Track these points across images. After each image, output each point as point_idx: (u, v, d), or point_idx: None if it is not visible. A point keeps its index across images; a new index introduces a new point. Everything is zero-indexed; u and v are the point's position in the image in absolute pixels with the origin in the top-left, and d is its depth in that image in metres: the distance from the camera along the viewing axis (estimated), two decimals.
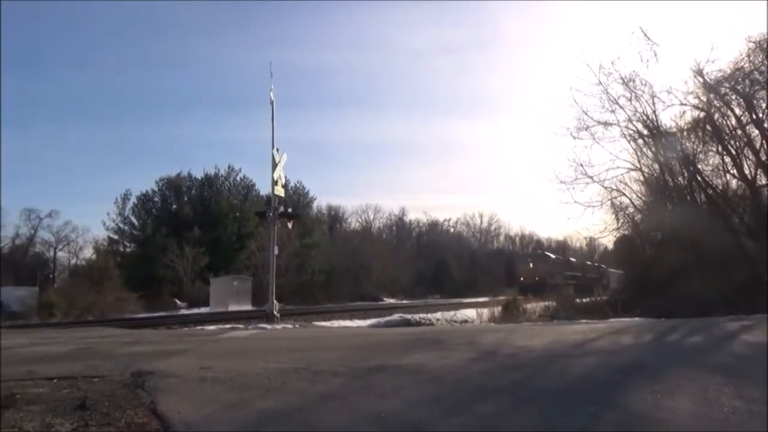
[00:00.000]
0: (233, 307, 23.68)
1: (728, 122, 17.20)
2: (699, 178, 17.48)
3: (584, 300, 20.18)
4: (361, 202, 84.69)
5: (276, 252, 15.47)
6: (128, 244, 41.80)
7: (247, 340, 9.18)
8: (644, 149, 18.14)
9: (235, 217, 41.70)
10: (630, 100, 17.18)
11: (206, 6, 74.99)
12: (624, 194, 18.69)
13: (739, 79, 16.41)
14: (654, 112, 17.25)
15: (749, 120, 16.57)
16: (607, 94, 17.21)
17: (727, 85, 16.68)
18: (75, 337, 9.54)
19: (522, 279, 43.95)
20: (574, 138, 17.62)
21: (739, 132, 16.89)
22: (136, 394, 4.59)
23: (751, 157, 16.76)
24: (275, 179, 15.23)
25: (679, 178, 17.73)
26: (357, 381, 5.01)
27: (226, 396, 4.48)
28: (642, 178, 18.48)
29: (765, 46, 15.90)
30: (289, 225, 16.92)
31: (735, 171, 17.14)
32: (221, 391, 4.65)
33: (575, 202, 17.83)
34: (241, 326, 12.89)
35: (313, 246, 41.29)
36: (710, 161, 17.99)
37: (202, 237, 37.50)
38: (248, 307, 24.04)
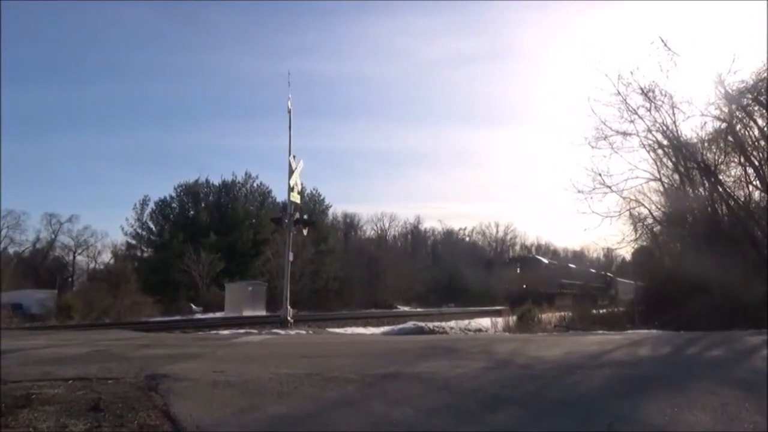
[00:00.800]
0: (248, 312, 23.80)
1: (751, 133, 16.93)
2: (720, 189, 17.20)
3: (601, 311, 19.92)
4: (376, 209, 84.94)
5: (291, 258, 15.52)
6: (146, 249, 42.36)
7: (260, 345, 9.19)
8: (664, 159, 17.95)
9: (251, 224, 42.05)
10: (649, 110, 17.02)
11: (226, 16, 76.09)
12: (643, 205, 18.48)
13: (762, 90, 16.16)
14: (674, 122, 17.06)
15: None
16: (626, 104, 17.07)
17: (750, 96, 16.43)
18: (91, 340, 9.63)
19: (507, 287, 38.82)
20: (593, 147, 17.48)
21: (762, 143, 16.63)
22: (149, 397, 4.61)
23: None
24: (291, 186, 15.30)
25: (700, 189, 17.48)
26: (369, 388, 4.98)
27: (238, 400, 4.48)
28: (661, 189, 18.27)
29: None
30: (305, 232, 16.97)
31: (758, 182, 16.85)
32: (233, 395, 4.65)
33: (593, 212, 17.64)
34: (254, 331, 12.91)
35: (328, 253, 41.44)
36: (732, 172, 17.73)
37: (219, 243, 37.85)
38: (263, 313, 24.13)
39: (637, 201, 18.23)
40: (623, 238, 18.97)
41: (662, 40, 16.38)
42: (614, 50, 55.04)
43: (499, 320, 16.08)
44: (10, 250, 43.77)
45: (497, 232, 73.66)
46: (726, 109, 16.84)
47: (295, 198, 15.58)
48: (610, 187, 17.41)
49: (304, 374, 5.45)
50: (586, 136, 17.59)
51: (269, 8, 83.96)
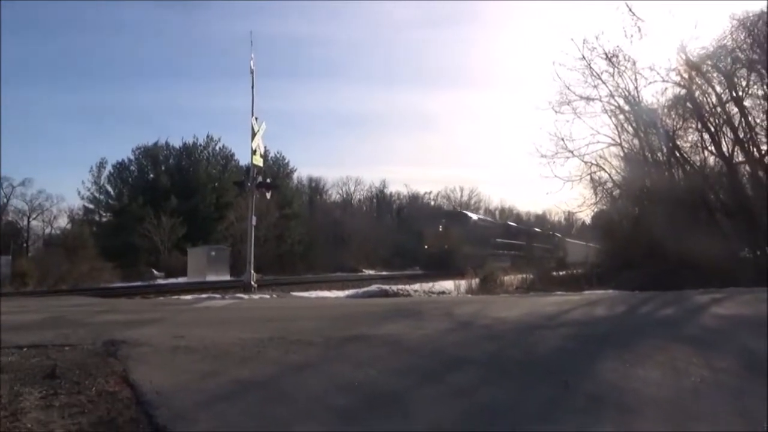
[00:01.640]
0: (211, 277, 23.55)
1: (709, 100, 17.32)
2: (678, 155, 17.64)
3: (561, 273, 20.45)
4: (342, 173, 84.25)
5: (254, 222, 15.33)
6: (104, 214, 41.17)
7: (223, 310, 9.13)
8: (625, 125, 18.24)
9: (213, 187, 41.22)
10: (613, 75, 17.19)
11: None
12: (603, 169, 18.81)
13: (721, 57, 16.48)
14: (636, 88, 17.30)
15: (729, 98, 16.70)
16: (590, 68, 17.19)
17: (710, 63, 16.75)
18: (47, 306, 9.39)
19: (426, 247, 34.53)
20: (556, 112, 17.63)
21: (719, 109, 17.03)
22: (107, 363, 4.53)
23: (729, 134, 16.95)
24: (254, 148, 15.00)
25: (659, 154, 17.88)
26: (333, 351, 5.00)
27: (199, 365, 4.44)
28: (622, 154, 18.61)
29: (748, 24, 15.96)
30: (268, 195, 16.74)
31: (713, 148, 17.33)
32: (195, 360, 4.61)
33: (555, 176, 17.93)
34: (217, 296, 12.81)
35: (293, 217, 41.11)
36: (689, 138, 18.17)
37: (180, 207, 37.06)
38: (226, 278, 23.92)
39: (597, 165, 18.58)
40: (584, 202, 19.41)
41: (627, 6, 16.44)
42: (580, 15, 55.07)
43: (462, 282, 16.32)
44: None
45: (462, 196, 74.17)
46: (686, 76, 17.16)
47: (258, 161, 15.30)
48: (572, 152, 17.70)
49: (267, 338, 5.44)
50: (550, 101, 17.74)
51: None
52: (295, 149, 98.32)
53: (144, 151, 42.10)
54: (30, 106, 67.77)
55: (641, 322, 7.08)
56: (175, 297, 13.31)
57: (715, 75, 16.85)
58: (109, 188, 41.06)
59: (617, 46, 16.95)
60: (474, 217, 37.78)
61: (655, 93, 17.76)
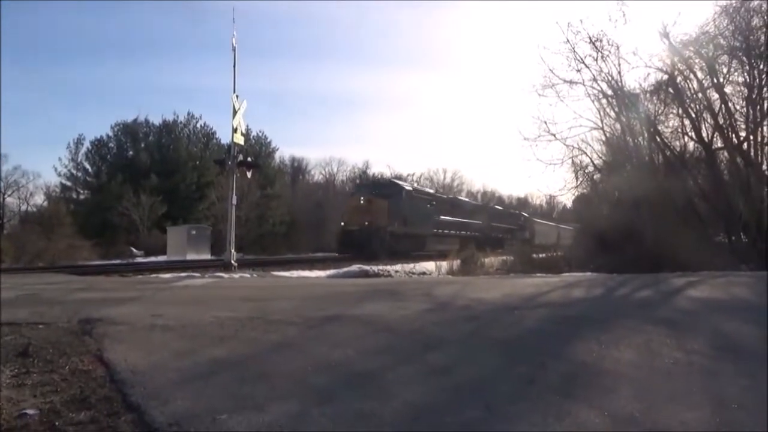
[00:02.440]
0: (191, 257, 23.37)
1: (690, 85, 17.45)
2: (658, 140, 17.78)
3: (541, 255, 20.60)
4: (325, 154, 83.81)
5: (234, 201, 15.20)
6: (82, 191, 40.48)
7: (202, 289, 9.07)
8: (607, 109, 18.28)
9: (194, 166, 40.70)
10: (596, 59, 17.17)
11: None
12: (585, 153, 18.88)
13: (704, 43, 16.57)
14: (619, 72, 17.29)
15: (710, 84, 16.84)
16: (574, 52, 17.15)
17: (692, 49, 16.84)
18: (22, 283, 9.25)
19: (343, 224, 27.14)
20: (539, 95, 17.63)
21: (700, 95, 17.18)
22: (82, 342, 4.49)
23: (709, 120, 17.11)
24: (235, 127, 14.81)
25: (640, 139, 18.00)
26: (311, 330, 5.00)
27: (176, 344, 4.41)
28: (603, 138, 18.69)
29: (730, 10, 16.04)
30: (249, 174, 16.60)
31: (693, 134, 17.50)
32: (172, 339, 4.58)
33: (537, 159, 17.99)
34: (197, 275, 12.72)
35: (275, 197, 40.84)
36: (670, 123, 18.31)
37: (160, 185, 36.58)
38: (207, 257, 23.76)
39: (579, 149, 18.63)
40: (565, 186, 19.50)
41: None
42: None
43: (444, 263, 16.41)
44: None
45: (444, 178, 74.36)
46: (669, 61, 17.24)
47: (239, 139, 15.11)
48: (554, 135, 17.73)
49: (245, 317, 5.42)
50: (534, 84, 17.73)
51: None
52: (278, 129, 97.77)
53: (123, 127, 41.35)
54: (5, 81, 66.12)
55: (618, 304, 7.18)
56: (154, 275, 13.20)
57: (697, 61, 16.97)
58: (87, 165, 40.35)
59: (601, 31, 16.96)
60: (407, 187, 30.22)
61: (638, 78, 17.90)
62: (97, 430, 2.67)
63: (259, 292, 8.46)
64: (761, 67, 16.13)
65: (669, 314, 5.87)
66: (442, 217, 31.77)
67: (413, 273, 15.87)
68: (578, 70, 17.25)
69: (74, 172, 40.13)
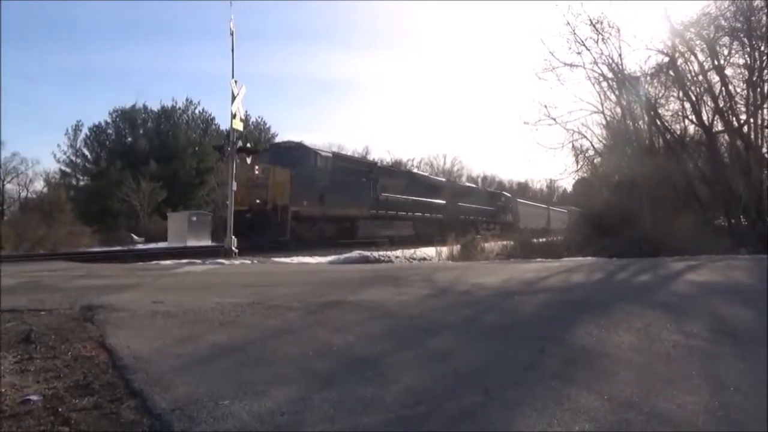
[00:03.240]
0: (192, 243, 23.37)
1: (691, 68, 17.38)
2: (658, 123, 17.74)
3: (541, 240, 20.64)
4: (324, 139, 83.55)
5: (234, 187, 15.18)
6: (81, 177, 40.48)
7: (203, 275, 9.09)
8: (607, 92, 18.23)
9: (194, 152, 40.63)
10: (597, 42, 17.09)
11: None
12: (585, 137, 18.87)
13: (705, 25, 16.46)
14: (620, 55, 17.23)
15: (711, 66, 16.75)
16: (575, 35, 17.06)
17: (693, 30, 16.73)
18: (23, 271, 9.28)
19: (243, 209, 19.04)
20: (540, 79, 17.58)
21: (700, 78, 17.10)
22: (84, 328, 4.51)
23: (709, 103, 17.06)
24: (233, 112, 14.74)
25: (640, 123, 17.95)
26: (312, 316, 5.02)
27: (177, 330, 4.43)
28: (604, 122, 18.65)
29: None
30: (248, 160, 16.54)
31: (693, 117, 17.46)
32: (173, 325, 4.60)
33: (537, 143, 17.99)
34: (198, 261, 12.74)
35: None
36: (671, 106, 18.29)
37: (160, 171, 36.54)
38: (207, 243, 23.77)
39: (579, 133, 18.62)
40: (565, 170, 19.50)
41: None
42: None
43: (444, 249, 16.45)
44: None
45: (444, 163, 74.27)
46: (669, 43, 17.14)
47: (238, 125, 15.05)
48: (554, 119, 17.70)
49: (246, 303, 5.44)
50: (534, 67, 17.66)
51: None
52: (277, 114, 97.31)
53: (121, 113, 41.23)
54: (3, 66, 65.68)
55: (617, 288, 7.21)
56: (155, 262, 13.21)
57: (697, 43, 16.87)
58: (86, 152, 40.31)
59: (602, 13, 16.88)
60: (324, 152, 22.68)
61: (638, 61, 17.82)
62: (100, 416, 2.68)
63: (260, 278, 8.49)
64: (762, 48, 16.03)
65: (668, 298, 5.89)
66: (386, 194, 24.95)
67: (414, 258, 15.94)
68: (579, 53, 17.19)
69: (73, 158, 40.14)
